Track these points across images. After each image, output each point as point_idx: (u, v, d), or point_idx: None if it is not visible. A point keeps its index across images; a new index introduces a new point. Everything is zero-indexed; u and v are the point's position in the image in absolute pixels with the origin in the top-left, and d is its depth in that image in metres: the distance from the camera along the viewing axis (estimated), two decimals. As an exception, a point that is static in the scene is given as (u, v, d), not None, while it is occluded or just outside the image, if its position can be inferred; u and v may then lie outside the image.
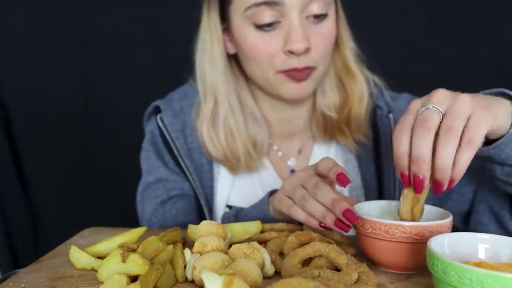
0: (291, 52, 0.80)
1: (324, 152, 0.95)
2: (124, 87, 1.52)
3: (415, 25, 1.43)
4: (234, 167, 0.92)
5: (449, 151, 0.54)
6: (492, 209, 0.82)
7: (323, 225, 0.61)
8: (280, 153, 0.96)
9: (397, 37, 1.43)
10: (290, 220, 0.69)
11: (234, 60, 0.92)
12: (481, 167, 0.78)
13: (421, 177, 0.55)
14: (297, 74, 0.82)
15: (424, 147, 0.54)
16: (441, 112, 0.56)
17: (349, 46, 0.91)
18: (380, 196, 0.91)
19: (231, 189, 0.94)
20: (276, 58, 0.81)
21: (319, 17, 0.81)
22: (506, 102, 0.61)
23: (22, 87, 1.52)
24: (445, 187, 0.55)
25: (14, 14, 1.47)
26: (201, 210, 0.93)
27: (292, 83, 0.83)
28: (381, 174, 0.92)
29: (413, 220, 0.59)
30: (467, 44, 1.41)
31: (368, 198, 0.91)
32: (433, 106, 0.56)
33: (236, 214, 0.82)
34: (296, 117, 0.95)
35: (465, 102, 0.55)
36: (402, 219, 0.59)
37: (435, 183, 0.56)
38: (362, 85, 0.92)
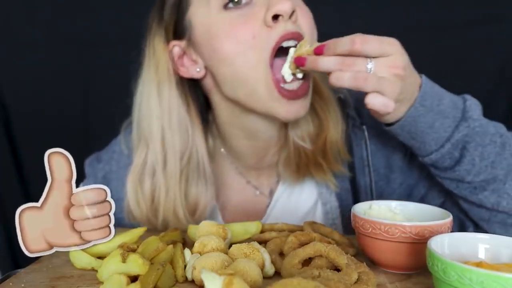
0: (275, 18, 0.70)
1: (288, 194, 0.87)
2: (124, 87, 1.51)
3: (415, 23, 1.43)
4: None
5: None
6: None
7: None
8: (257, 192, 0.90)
9: (396, 35, 1.42)
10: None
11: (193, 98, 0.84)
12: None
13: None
14: (290, 94, 0.72)
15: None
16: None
17: None
18: None
19: None
20: (260, 36, 0.70)
21: None
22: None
23: (22, 87, 1.51)
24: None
25: (14, 14, 1.47)
26: None
27: (288, 102, 0.72)
28: (357, 195, 0.84)
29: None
30: (468, 43, 1.41)
31: (344, 218, 0.86)
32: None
33: None
34: (268, 147, 0.85)
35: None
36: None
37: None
38: (335, 107, 0.84)
